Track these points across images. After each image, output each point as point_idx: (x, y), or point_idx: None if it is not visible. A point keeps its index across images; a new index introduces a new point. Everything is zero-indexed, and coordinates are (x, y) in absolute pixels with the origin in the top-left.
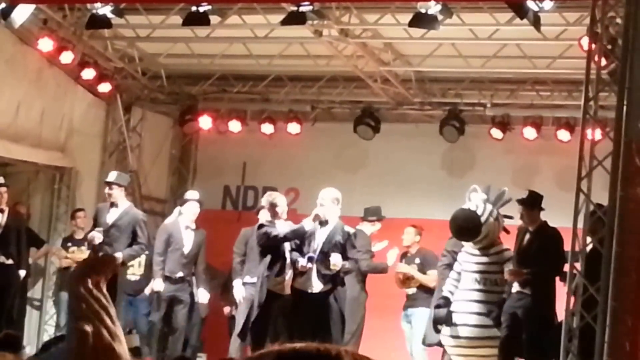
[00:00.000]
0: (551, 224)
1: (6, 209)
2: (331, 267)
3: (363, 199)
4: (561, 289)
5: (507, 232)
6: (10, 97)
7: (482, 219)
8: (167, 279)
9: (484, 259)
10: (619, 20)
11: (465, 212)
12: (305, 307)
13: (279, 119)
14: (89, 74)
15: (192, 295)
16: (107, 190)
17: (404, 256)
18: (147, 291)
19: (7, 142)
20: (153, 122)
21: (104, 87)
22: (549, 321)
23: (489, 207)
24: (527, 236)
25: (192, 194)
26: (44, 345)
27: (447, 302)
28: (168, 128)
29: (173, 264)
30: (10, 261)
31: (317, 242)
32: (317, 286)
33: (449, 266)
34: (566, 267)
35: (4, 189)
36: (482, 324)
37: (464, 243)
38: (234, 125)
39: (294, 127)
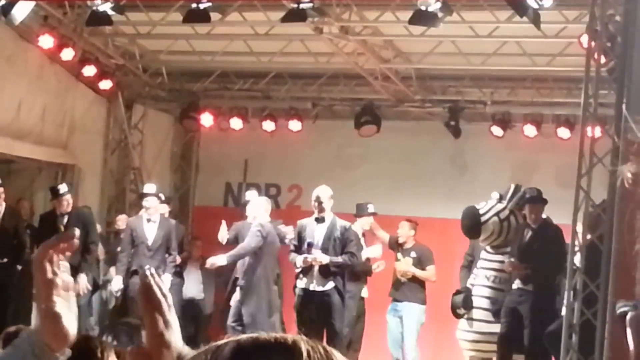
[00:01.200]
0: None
1: (1, 208)
2: (312, 263)
3: (364, 196)
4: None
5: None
6: (12, 95)
7: (483, 218)
8: (136, 273)
9: (497, 257)
10: (618, 18)
11: (468, 210)
12: (310, 304)
13: (280, 116)
14: (90, 71)
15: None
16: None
17: (399, 249)
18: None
19: (10, 139)
20: (154, 119)
21: (105, 84)
22: (550, 318)
23: (500, 206)
24: (529, 233)
25: (148, 188)
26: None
27: (466, 289)
28: (170, 125)
29: (139, 258)
30: (4, 260)
31: (317, 239)
32: (320, 284)
33: (465, 268)
34: None
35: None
36: (486, 319)
37: (481, 242)
38: (235, 123)
39: (295, 125)
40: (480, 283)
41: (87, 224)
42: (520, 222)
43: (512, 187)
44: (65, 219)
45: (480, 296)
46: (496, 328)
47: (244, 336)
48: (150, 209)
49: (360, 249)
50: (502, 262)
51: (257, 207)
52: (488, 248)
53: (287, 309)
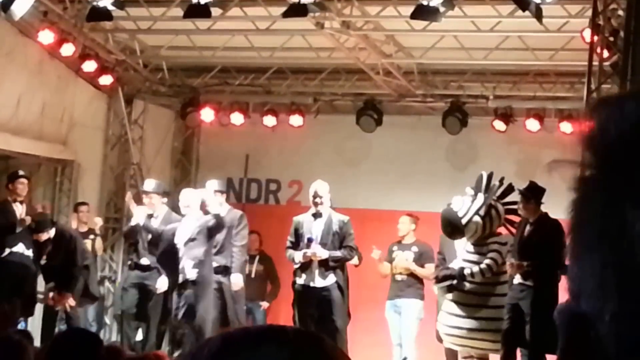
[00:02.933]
0: (554, 216)
1: (25, 201)
2: (312, 258)
3: (365, 191)
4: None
5: (518, 215)
6: (11, 90)
7: (464, 220)
8: (137, 266)
9: (474, 249)
10: (620, 12)
11: (448, 213)
12: (310, 300)
13: (281, 111)
14: (90, 66)
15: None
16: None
17: (398, 244)
18: None
19: (9, 135)
20: (155, 114)
21: (105, 80)
22: (551, 313)
23: (477, 204)
24: (528, 227)
25: (148, 185)
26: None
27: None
28: (170, 120)
29: (139, 253)
30: (29, 252)
31: (315, 234)
32: (319, 280)
33: (437, 268)
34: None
35: (24, 180)
36: (463, 314)
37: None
38: (236, 118)
39: (296, 120)
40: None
41: (70, 251)
42: (502, 211)
43: (485, 177)
44: (50, 246)
45: (458, 289)
46: (465, 323)
47: (234, 329)
48: (152, 206)
49: None
50: (477, 253)
51: (192, 197)
52: (467, 241)
53: (286, 305)
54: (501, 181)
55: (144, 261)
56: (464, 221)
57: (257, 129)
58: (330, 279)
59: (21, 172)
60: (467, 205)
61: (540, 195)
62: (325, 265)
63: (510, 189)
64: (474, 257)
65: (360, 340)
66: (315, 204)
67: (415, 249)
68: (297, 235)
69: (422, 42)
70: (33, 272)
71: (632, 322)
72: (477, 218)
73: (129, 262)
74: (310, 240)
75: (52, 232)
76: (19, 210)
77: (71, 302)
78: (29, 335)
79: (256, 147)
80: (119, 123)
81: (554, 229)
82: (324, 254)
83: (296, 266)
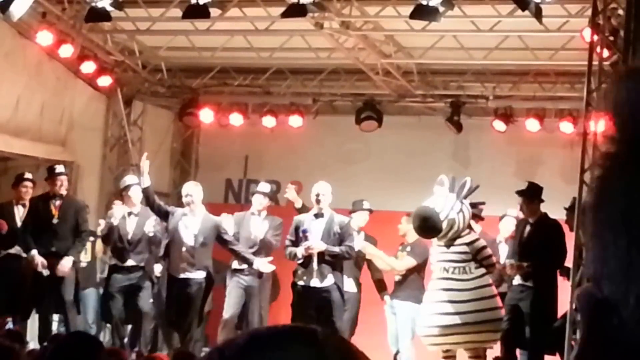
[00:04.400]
0: (554, 216)
1: (27, 205)
2: (310, 249)
3: (365, 192)
4: (563, 281)
5: (482, 219)
6: (10, 91)
7: (442, 216)
8: (119, 268)
9: (452, 249)
10: (620, 12)
11: (425, 210)
12: (309, 301)
13: (280, 112)
14: (88, 67)
15: (151, 280)
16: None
17: (402, 245)
18: None
19: (8, 136)
20: (154, 115)
21: (104, 81)
22: (551, 313)
23: (451, 201)
24: (528, 228)
25: (130, 179)
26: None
27: None
28: (169, 121)
29: (119, 253)
30: (25, 255)
31: (315, 234)
32: (319, 281)
33: None
34: (568, 259)
35: (28, 184)
36: (451, 311)
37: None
38: (236, 119)
39: (295, 120)
40: (437, 276)
41: (79, 211)
42: (469, 210)
43: (447, 179)
44: (58, 202)
45: (438, 289)
46: (457, 319)
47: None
48: (133, 198)
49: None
50: (456, 252)
51: (196, 191)
52: (438, 242)
53: (286, 306)
54: (463, 184)
55: (130, 262)
56: (442, 216)
57: (256, 130)
58: (330, 280)
59: (27, 176)
60: (441, 203)
61: (540, 194)
62: (324, 262)
63: (473, 188)
64: (459, 256)
65: (361, 341)
66: (318, 202)
67: (409, 248)
68: (297, 234)
69: (422, 42)
70: (30, 274)
71: None
72: (453, 214)
73: (110, 265)
74: (305, 232)
75: (65, 182)
76: (19, 212)
77: (65, 266)
78: (19, 337)
79: (255, 148)
80: (118, 124)
81: (554, 229)
82: (321, 246)
83: (299, 261)
